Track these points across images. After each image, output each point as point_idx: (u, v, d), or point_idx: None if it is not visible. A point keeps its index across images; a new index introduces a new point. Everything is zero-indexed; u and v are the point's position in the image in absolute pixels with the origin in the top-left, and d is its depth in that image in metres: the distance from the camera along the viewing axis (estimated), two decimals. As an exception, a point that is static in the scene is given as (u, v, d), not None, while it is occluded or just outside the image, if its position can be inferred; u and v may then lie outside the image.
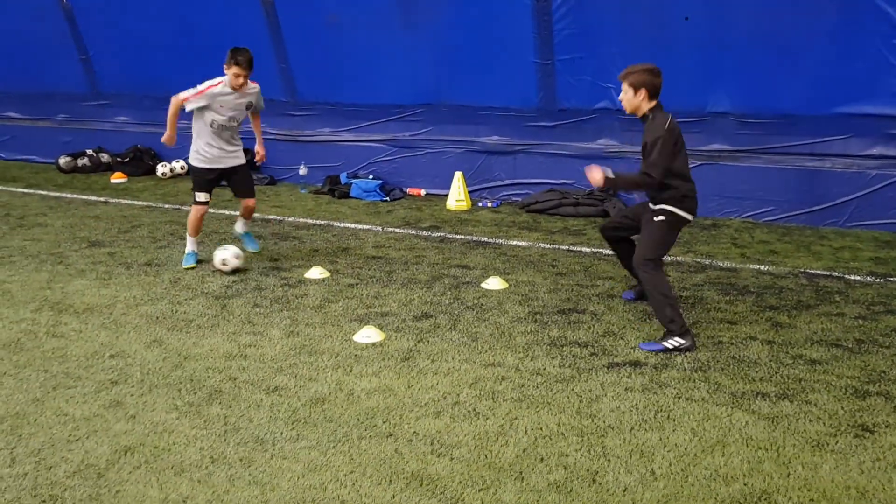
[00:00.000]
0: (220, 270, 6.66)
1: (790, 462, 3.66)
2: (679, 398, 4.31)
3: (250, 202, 7.04)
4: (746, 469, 3.60)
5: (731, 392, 4.37)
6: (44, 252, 7.46)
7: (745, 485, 3.48)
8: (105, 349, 5.10)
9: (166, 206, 9.57)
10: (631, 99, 5.01)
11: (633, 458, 3.71)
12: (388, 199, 9.74)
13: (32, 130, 13.04)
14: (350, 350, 5.02)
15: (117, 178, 11.35)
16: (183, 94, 6.51)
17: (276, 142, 11.05)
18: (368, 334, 5.20)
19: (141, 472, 3.65)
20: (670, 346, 4.92)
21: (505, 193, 9.71)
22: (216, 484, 3.54)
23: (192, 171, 6.94)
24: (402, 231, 8.20)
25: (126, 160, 11.77)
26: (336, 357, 4.93)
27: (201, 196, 6.84)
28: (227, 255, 6.63)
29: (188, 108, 6.52)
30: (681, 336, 4.93)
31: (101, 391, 4.49)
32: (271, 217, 8.86)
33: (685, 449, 3.78)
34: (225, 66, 6.44)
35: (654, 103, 4.99)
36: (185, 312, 5.77)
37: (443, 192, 9.71)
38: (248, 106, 6.73)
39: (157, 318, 5.66)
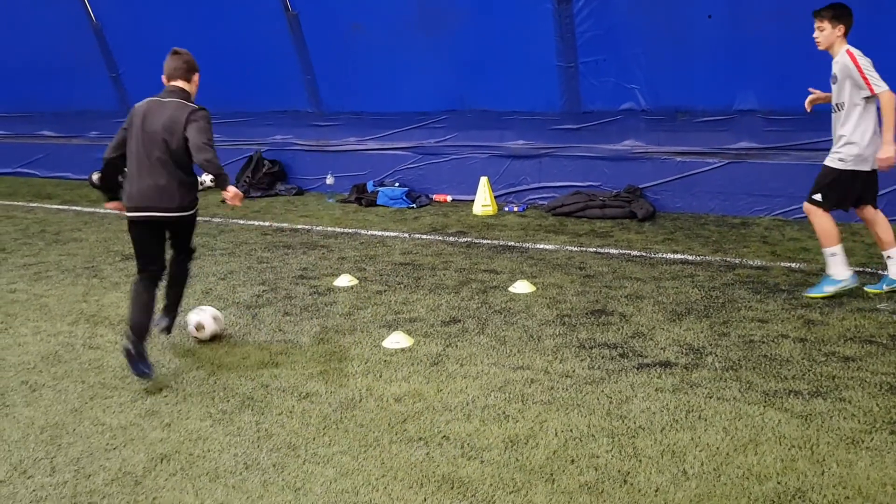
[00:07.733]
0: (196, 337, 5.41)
1: (824, 460, 3.62)
2: (710, 398, 4.28)
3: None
4: (780, 467, 3.57)
5: (763, 391, 4.34)
6: (79, 266, 7.60)
7: (778, 483, 3.45)
8: (140, 360, 5.17)
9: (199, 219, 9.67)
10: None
11: (664, 459, 3.69)
12: (414, 205, 9.79)
13: (66, 148, 13.31)
14: (379, 356, 5.06)
15: (148, 192, 11.50)
16: None
17: (303, 152, 11.17)
18: (397, 340, 5.24)
19: (177, 479, 3.70)
20: None
21: (531, 197, 9.71)
22: (250, 489, 3.59)
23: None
24: (429, 237, 8.23)
25: (157, 174, 11.94)
26: (366, 363, 4.97)
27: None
28: (203, 318, 5.39)
29: None
30: None
31: (137, 400, 4.57)
32: (299, 227, 8.95)
33: (717, 448, 3.76)
34: None
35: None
36: (216, 322, 5.83)
37: (469, 197, 9.74)
38: None
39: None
